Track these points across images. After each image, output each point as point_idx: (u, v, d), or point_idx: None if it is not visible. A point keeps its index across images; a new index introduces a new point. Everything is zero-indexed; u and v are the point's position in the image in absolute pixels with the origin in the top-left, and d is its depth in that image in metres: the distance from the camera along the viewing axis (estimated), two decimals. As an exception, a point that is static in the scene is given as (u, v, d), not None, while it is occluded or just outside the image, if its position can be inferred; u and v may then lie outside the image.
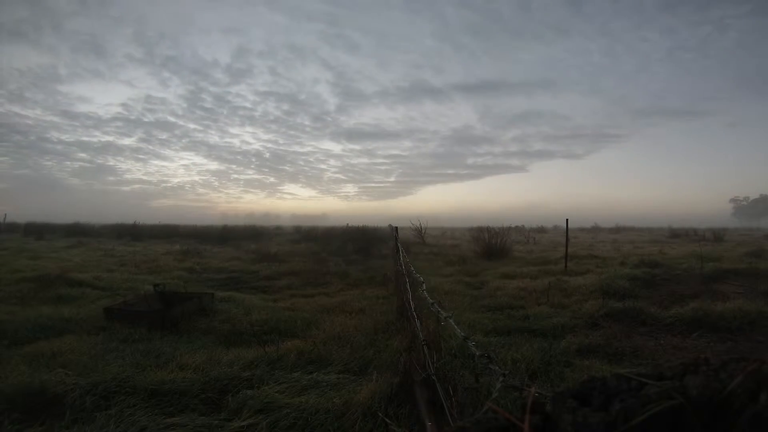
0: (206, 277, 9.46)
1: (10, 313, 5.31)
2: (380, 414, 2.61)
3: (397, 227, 9.13)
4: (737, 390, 0.33)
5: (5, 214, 29.58)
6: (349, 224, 23.44)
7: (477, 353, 1.37)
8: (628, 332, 4.81)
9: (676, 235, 27.87)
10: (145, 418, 2.61)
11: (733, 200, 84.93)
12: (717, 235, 21.57)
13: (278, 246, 17.15)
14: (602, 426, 0.33)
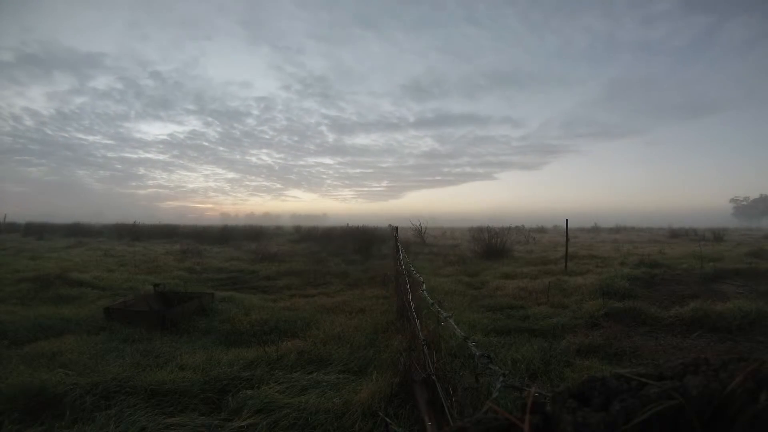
0: (206, 277, 9.46)
1: (10, 313, 5.31)
2: (380, 413, 2.61)
3: (396, 227, 9.14)
4: (737, 390, 0.33)
5: (5, 214, 29.68)
6: (349, 224, 23.46)
7: (477, 353, 1.37)
8: (628, 332, 4.81)
9: (676, 235, 27.88)
10: (145, 418, 2.61)
11: (733, 200, 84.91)
12: (717, 235, 21.57)
13: (278, 246, 17.15)
14: (602, 426, 0.33)
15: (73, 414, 2.68)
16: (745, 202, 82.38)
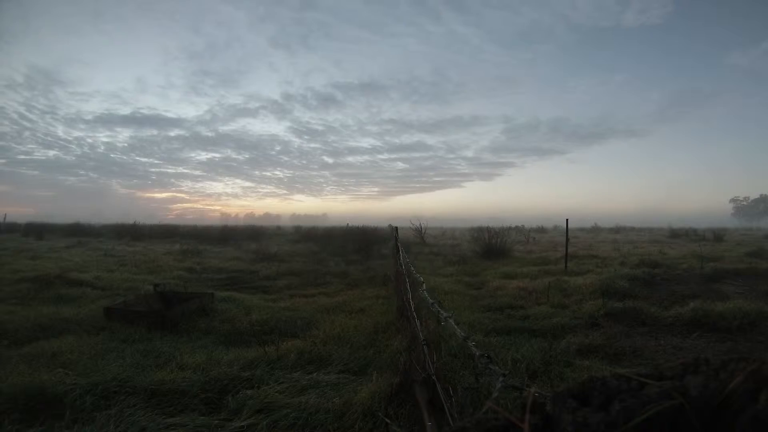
0: (206, 277, 9.46)
1: (10, 313, 5.31)
2: (380, 414, 2.61)
3: (396, 227, 9.14)
4: (737, 390, 0.33)
5: (5, 214, 29.70)
6: (349, 224, 23.44)
7: (477, 353, 1.37)
8: (628, 332, 4.81)
9: (676, 235, 27.85)
10: (145, 418, 2.61)
11: (733, 200, 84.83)
12: (717, 235, 21.57)
13: (278, 246, 17.15)
14: (602, 426, 0.33)
15: (73, 414, 2.68)
16: (745, 202, 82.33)
